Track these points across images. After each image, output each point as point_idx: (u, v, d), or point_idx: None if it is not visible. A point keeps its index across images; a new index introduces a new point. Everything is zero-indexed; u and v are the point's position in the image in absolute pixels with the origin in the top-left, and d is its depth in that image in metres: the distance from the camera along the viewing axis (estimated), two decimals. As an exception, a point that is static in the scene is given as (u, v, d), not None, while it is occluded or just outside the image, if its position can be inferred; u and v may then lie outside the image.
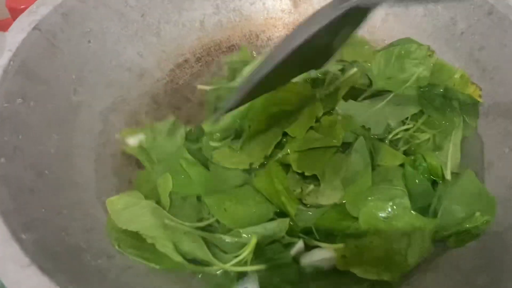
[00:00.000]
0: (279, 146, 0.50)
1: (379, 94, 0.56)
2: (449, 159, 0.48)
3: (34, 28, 0.49)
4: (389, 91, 0.56)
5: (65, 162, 0.48)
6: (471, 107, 0.53)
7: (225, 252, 0.44)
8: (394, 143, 0.52)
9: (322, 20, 0.33)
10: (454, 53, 0.57)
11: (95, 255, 0.41)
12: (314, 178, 0.48)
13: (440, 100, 0.53)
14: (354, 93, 0.56)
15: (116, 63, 0.59)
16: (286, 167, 0.48)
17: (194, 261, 0.43)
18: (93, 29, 0.56)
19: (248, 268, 0.42)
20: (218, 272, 0.42)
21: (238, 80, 0.61)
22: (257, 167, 0.49)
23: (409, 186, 0.46)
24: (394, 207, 0.44)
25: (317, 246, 0.44)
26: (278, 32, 0.69)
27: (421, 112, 0.53)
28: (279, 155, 0.49)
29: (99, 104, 0.56)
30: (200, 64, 0.66)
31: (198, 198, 0.48)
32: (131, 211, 0.45)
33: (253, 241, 0.42)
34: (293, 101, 0.53)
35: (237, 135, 0.52)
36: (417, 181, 0.46)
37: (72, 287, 0.33)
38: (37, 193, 0.42)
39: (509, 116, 0.49)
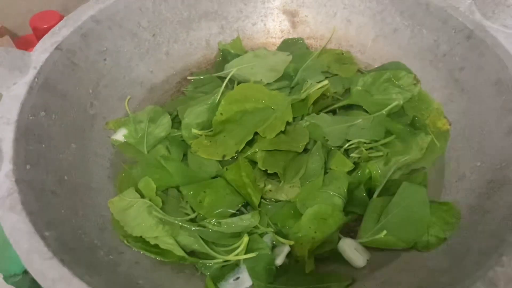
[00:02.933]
0: (249, 143, 0.55)
1: (351, 106, 0.62)
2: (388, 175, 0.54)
3: (56, 48, 0.55)
4: (360, 106, 0.61)
5: (81, 169, 0.54)
6: (440, 133, 0.58)
7: (213, 243, 0.50)
8: (347, 152, 0.57)
9: None
10: (437, 73, 0.62)
11: (107, 251, 0.46)
12: (277, 175, 0.53)
13: (407, 128, 0.58)
14: (326, 102, 0.62)
15: (129, 79, 0.65)
16: (253, 163, 0.54)
17: (193, 253, 0.49)
18: (109, 48, 0.62)
19: (243, 257, 0.47)
20: (214, 264, 0.48)
21: (224, 71, 0.67)
22: (230, 159, 0.55)
23: (349, 194, 0.53)
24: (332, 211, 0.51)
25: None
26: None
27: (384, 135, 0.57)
28: (249, 152, 0.54)
29: (112, 116, 0.62)
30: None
31: (178, 189, 0.54)
32: (130, 212, 0.50)
33: (246, 239, 0.48)
34: (266, 101, 0.58)
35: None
36: (356, 192, 0.53)
37: (88, 278, 0.38)
38: (58, 196, 0.47)
39: (482, 133, 0.53)
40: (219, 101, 0.59)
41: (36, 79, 0.51)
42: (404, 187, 0.50)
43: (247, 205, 0.53)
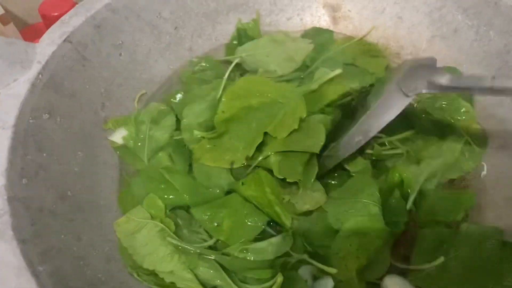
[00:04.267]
0: (259, 146, 0.47)
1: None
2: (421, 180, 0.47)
3: (65, 40, 0.48)
4: None
5: (88, 182, 0.46)
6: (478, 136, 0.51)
7: (238, 275, 0.42)
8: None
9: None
10: (507, 83, 0.53)
11: (113, 289, 0.39)
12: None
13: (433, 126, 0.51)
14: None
15: (147, 76, 0.58)
16: (269, 171, 0.46)
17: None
18: (125, 41, 0.55)
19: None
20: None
21: (235, 55, 0.59)
22: (238, 167, 0.47)
23: (383, 202, 0.45)
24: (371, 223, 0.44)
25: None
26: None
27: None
28: (260, 157, 0.46)
29: (127, 119, 0.54)
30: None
31: (187, 210, 0.46)
32: (139, 236, 0.43)
33: (279, 280, 0.40)
34: (272, 95, 0.50)
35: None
36: (391, 199, 0.46)
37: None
38: (57, 217, 0.40)
39: None
40: (221, 97, 0.51)
41: (40, 76, 0.44)
42: (471, 227, 0.42)
43: (270, 221, 0.45)
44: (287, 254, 0.43)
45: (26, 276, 0.32)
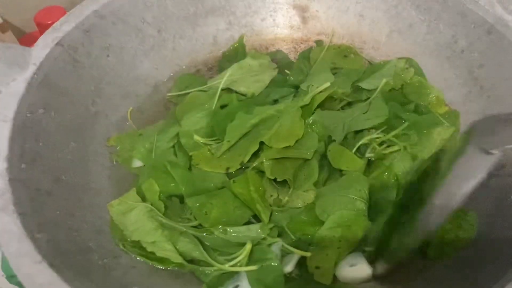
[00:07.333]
0: (255, 152, 0.52)
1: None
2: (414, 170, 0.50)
3: (57, 44, 0.53)
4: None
5: (80, 168, 0.52)
6: (450, 117, 0.55)
7: (217, 250, 0.47)
8: (361, 150, 0.53)
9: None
10: (455, 70, 0.59)
11: (102, 255, 0.44)
12: (287, 183, 0.50)
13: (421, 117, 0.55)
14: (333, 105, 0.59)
15: (133, 75, 0.63)
16: (262, 172, 0.51)
17: (192, 261, 0.46)
18: (112, 44, 0.60)
19: (243, 269, 0.45)
20: (214, 272, 0.45)
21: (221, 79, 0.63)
22: (233, 171, 0.52)
23: (373, 198, 0.49)
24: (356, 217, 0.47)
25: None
26: (287, 45, 0.72)
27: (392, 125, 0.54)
28: (255, 163, 0.51)
29: (115, 114, 0.60)
30: (211, 72, 0.70)
31: (181, 200, 0.51)
32: (130, 216, 0.48)
33: (249, 246, 0.45)
34: (271, 111, 0.55)
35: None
36: (382, 195, 0.49)
37: (77, 283, 0.37)
38: (53, 197, 0.45)
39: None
40: (216, 107, 0.58)
41: (35, 76, 0.50)
42: None
43: (255, 215, 0.50)
44: (263, 239, 0.47)
45: (26, 241, 0.38)
